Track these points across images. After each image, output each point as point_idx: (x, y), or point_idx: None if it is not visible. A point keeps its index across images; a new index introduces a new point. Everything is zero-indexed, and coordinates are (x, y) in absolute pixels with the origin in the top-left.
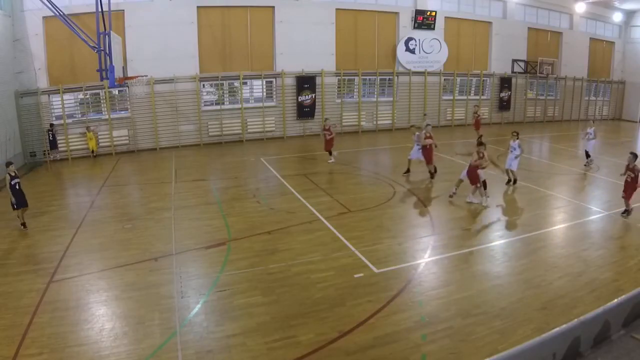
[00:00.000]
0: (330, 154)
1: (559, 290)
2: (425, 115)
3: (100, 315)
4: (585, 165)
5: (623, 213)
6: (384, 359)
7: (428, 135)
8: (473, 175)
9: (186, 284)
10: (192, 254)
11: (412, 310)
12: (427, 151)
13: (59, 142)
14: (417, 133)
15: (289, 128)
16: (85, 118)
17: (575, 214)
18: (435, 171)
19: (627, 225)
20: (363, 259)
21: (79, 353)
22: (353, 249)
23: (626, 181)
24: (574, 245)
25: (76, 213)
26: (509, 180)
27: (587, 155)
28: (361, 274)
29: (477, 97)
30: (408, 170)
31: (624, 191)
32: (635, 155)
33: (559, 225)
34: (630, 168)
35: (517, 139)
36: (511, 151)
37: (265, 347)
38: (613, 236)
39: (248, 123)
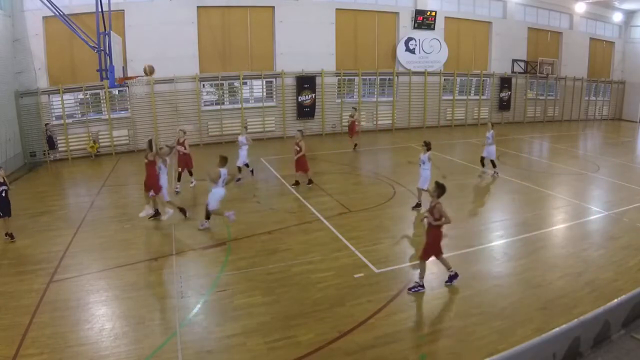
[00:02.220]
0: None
1: (559, 290)
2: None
3: (100, 315)
4: (479, 176)
5: None
6: (384, 359)
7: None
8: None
9: (186, 284)
10: (192, 254)
11: (412, 310)
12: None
13: (59, 142)
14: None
15: (289, 128)
16: (85, 118)
17: (575, 214)
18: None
19: (627, 225)
20: (363, 259)
21: (79, 353)
22: (353, 249)
23: None
24: (574, 245)
25: (76, 213)
26: (417, 205)
27: (483, 163)
28: (361, 274)
29: (477, 97)
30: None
31: None
32: None
33: (559, 225)
34: None
35: (428, 150)
36: (421, 165)
37: (266, 347)
38: (613, 236)
39: (248, 123)
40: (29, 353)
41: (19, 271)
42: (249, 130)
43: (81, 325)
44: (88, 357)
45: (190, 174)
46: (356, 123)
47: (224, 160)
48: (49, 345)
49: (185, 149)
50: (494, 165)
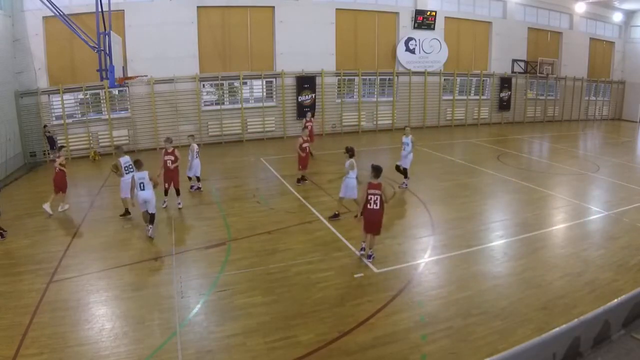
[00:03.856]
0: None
1: (559, 290)
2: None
3: (100, 315)
4: (400, 187)
5: None
6: (384, 358)
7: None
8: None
9: (186, 284)
10: (192, 254)
11: (412, 310)
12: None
13: (58, 142)
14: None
15: (289, 128)
16: (85, 118)
17: (575, 214)
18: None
19: (627, 225)
20: (363, 259)
21: (79, 353)
22: (353, 249)
23: None
24: (574, 245)
25: (76, 213)
26: (335, 215)
27: (402, 171)
28: (361, 274)
29: (477, 97)
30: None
31: None
32: None
33: (558, 225)
34: None
35: (351, 157)
36: (345, 179)
37: (265, 347)
38: (613, 236)
39: (248, 123)
40: (29, 353)
41: (19, 271)
42: (249, 131)
43: (81, 325)
44: (88, 357)
45: (177, 192)
46: (311, 128)
47: (139, 164)
48: (49, 345)
49: (175, 161)
50: (406, 176)
